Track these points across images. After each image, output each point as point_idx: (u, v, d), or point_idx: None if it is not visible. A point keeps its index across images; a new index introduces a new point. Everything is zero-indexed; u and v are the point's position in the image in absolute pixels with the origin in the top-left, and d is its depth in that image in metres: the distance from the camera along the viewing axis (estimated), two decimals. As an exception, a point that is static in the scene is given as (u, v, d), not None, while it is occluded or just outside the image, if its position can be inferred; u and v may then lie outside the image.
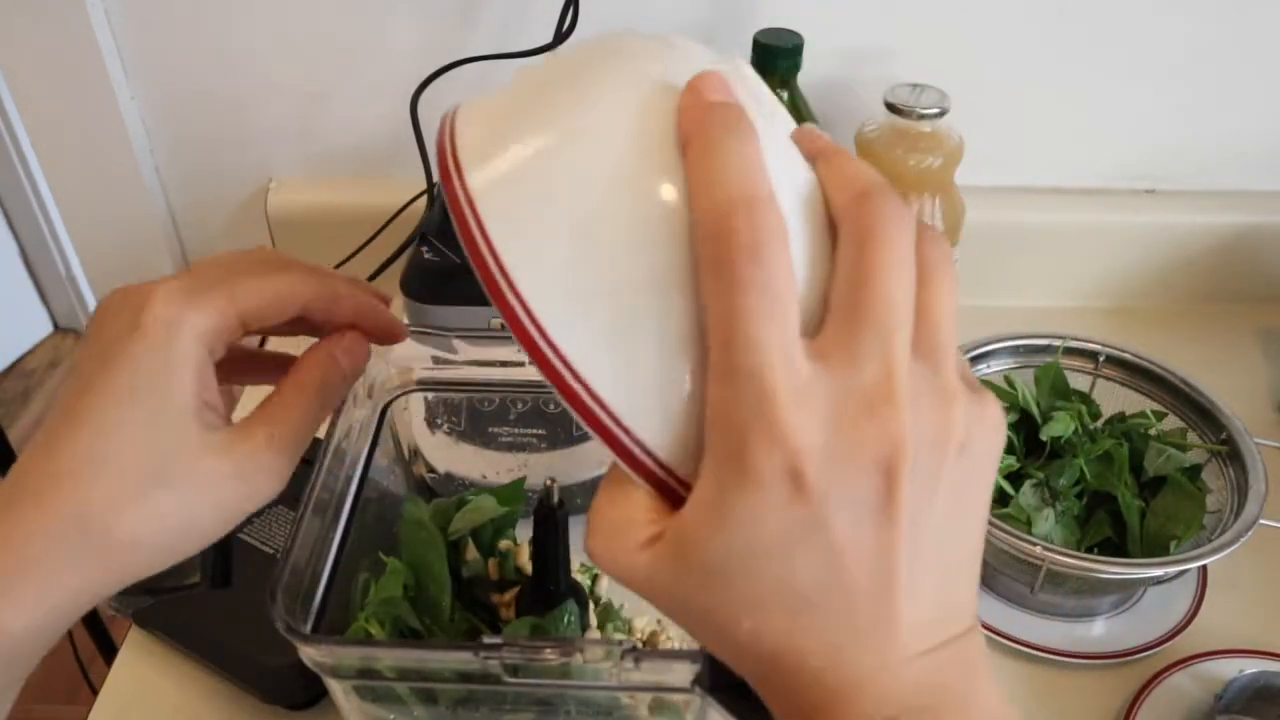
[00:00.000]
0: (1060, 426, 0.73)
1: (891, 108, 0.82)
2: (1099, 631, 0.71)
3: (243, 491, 0.37)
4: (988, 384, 0.78)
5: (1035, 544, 0.65)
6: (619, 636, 0.60)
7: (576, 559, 0.61)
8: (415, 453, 0.71)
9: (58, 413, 0.36)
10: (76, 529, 0.34)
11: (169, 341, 0.36)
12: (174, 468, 0.35)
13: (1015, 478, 0.73)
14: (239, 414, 0.39)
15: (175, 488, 0.35)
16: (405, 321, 0.72)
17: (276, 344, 0.48)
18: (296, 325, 0.42)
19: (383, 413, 0.61)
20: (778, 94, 0.83)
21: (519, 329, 0.28)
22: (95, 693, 0.65)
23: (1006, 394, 0.77)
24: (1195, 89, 0.93)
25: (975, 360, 0.80)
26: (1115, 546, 0.71)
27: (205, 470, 0.36)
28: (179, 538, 0.36)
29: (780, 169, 0.29)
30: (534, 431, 0.71)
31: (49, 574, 0.34)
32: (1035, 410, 0.75)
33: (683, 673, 0.47)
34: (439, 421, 0.72)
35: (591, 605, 0.59)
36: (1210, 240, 0.97)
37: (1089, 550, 0.71)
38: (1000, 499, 0.72)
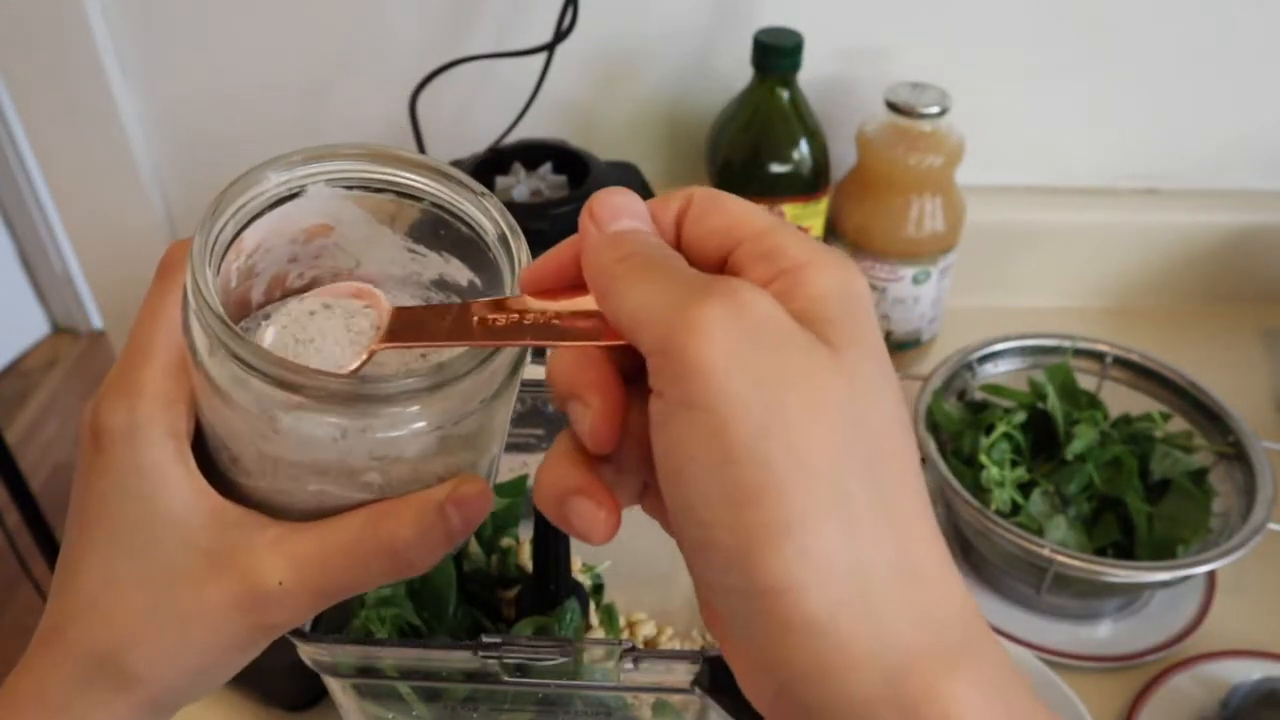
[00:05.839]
0: (1081, 443, 0.73)
1: (892, 107, 0.82)
2: (1105, 634, 0.71)
3: (254, 621, 0.33)
4: (1002, 390, 0.78)
5: (1044, 545, 0.65)
6: (620, 637, 0.60)
7: (577, 558, 0.61)
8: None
9: (66, 543, 0.35)
10: (96, 669, 0.33)
11: (131, 452, 0.33)
12: (176, 599, 0.33)
13: (1024, 486, 0.73)
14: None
15: (179, 621, 0.33)
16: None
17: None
18: None
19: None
20: (778, 93, 0.83)
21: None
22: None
23: (1025, 396, 0.77)
24: (1196, 88, 0.93)
25: (983, 360, 0.80)
26: (1123, 549, 0.71)
27: (212, 601, 0.33)
28: (197, 671, 0.34)
29: None
30: (534, 432, 0.70)
31: (80, 718, 0.33)
32: (1059, 421, 0.75)
33: (683, 673, 0.47)
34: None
35: (592, 605, 0.59)
36: (1212, 240, 0.97)
37: (1097, 552, 0.70)
38: (1011, 509, 0.72)
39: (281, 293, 0.37)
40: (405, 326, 0.33)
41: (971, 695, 0.25)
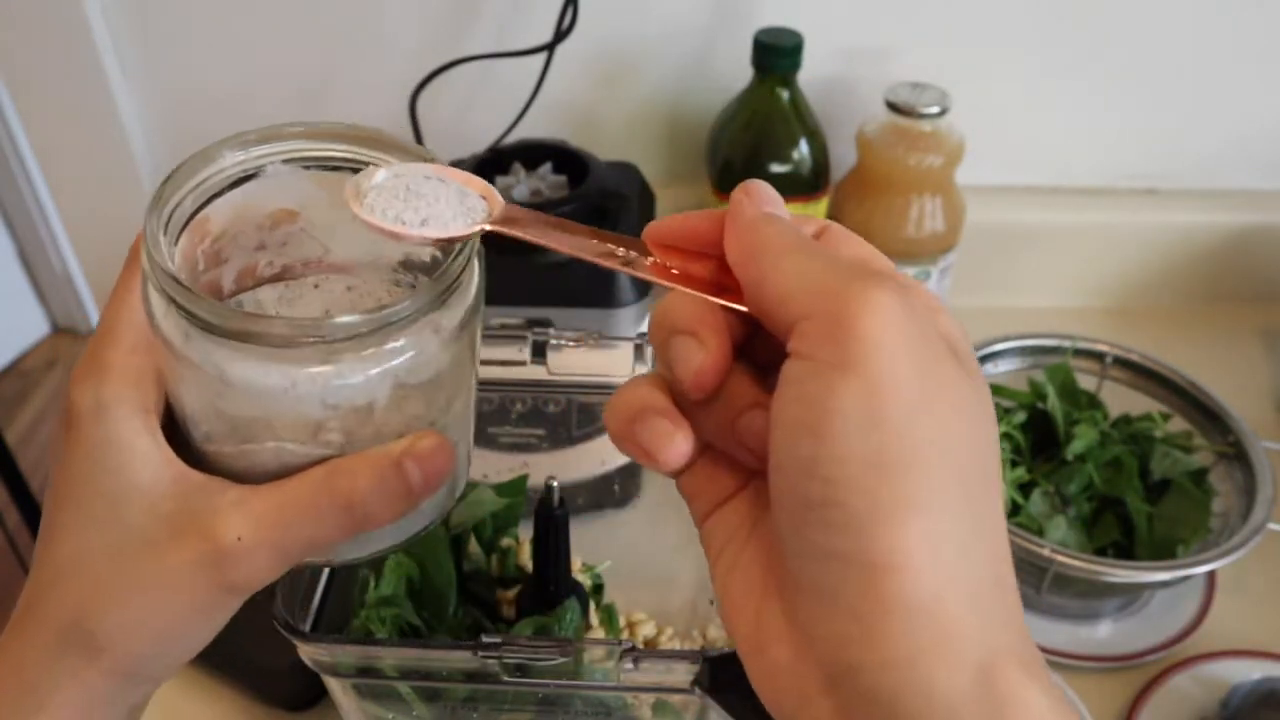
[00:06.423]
0: (1082, 443, 0.73)
1: (892, 107, 0.82)
2: (1105, 634, 0.71)
3: (214, 580, 0.33)
4: (1002, 390, 0.78)
5: (1044, 545, 0.65)
6: (620, 637, 0.60)
7: (577, 559, 0.61)
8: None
9: (43, 521, 0.35)
10: (66, 639, 0.34)
11: (100, 428, 0.34)
12: (140, 565, 0.33)
13: (1024, 486, 0.73)
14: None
15: (141, 585, 0.33)
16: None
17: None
18: None
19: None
20: (778, 93, 0.83)
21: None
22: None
23: (1025, 396, 0.77)
24: (1196, 89, 0.93)
25: (983, 360, 0.80)
26: (1123, 549, 0.71)
27: (172, 562, 0.33)
28: (165, 637, 0.34)
29: None
30: (534, 432, 0.70)
31: (53, 688, 0.34)
32: (1059, 421, 0.75)
33: (683, 673, 0.47)
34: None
35: (592, 605, 0.59)
36: (1211, 239, 0.97)
37: (1097, 552, 0.70)
38: (1011, 509, 0.72)
39: (253, 281, 0.37)
40: (520, 219, 0.33)
41: (1051, 703, 0.26)
